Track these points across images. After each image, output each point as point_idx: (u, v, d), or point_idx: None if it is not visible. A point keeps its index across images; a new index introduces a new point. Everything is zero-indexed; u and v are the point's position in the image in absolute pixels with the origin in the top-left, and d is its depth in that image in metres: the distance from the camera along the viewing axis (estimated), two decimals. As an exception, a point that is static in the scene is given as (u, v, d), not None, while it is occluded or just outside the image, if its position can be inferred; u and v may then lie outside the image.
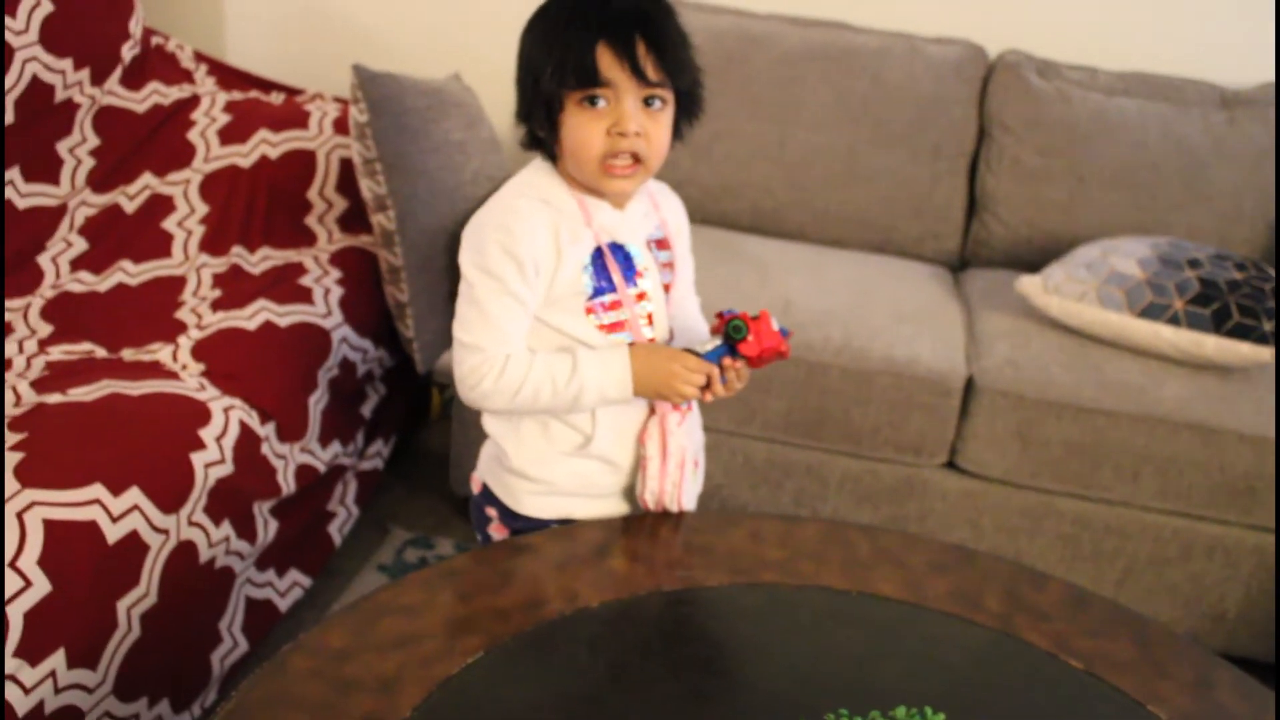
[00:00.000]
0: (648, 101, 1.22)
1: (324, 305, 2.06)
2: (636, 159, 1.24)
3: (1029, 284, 2.22)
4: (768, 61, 2.62)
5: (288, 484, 1.85)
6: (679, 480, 1.34)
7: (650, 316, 1.33)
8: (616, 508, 1.40)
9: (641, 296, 1.32)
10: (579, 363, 1.27)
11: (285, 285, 2.08)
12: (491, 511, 1.42)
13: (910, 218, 2.61)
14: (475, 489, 1.46)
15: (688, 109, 1.29)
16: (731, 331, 1.27)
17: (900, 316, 2.20)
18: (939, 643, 1.20)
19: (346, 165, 2.33)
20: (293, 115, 2.40)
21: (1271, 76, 2.64)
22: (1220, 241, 2.47)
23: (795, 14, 2.75)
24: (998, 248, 2.62)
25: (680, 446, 1.34)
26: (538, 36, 1.23)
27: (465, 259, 1.27)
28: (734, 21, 2.70)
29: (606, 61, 1.19)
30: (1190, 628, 2.14)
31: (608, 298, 1.30)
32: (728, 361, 1.29)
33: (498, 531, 1.43)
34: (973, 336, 2.21)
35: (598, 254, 1.29)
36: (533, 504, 1.37)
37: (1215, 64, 2.70)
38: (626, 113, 1.21)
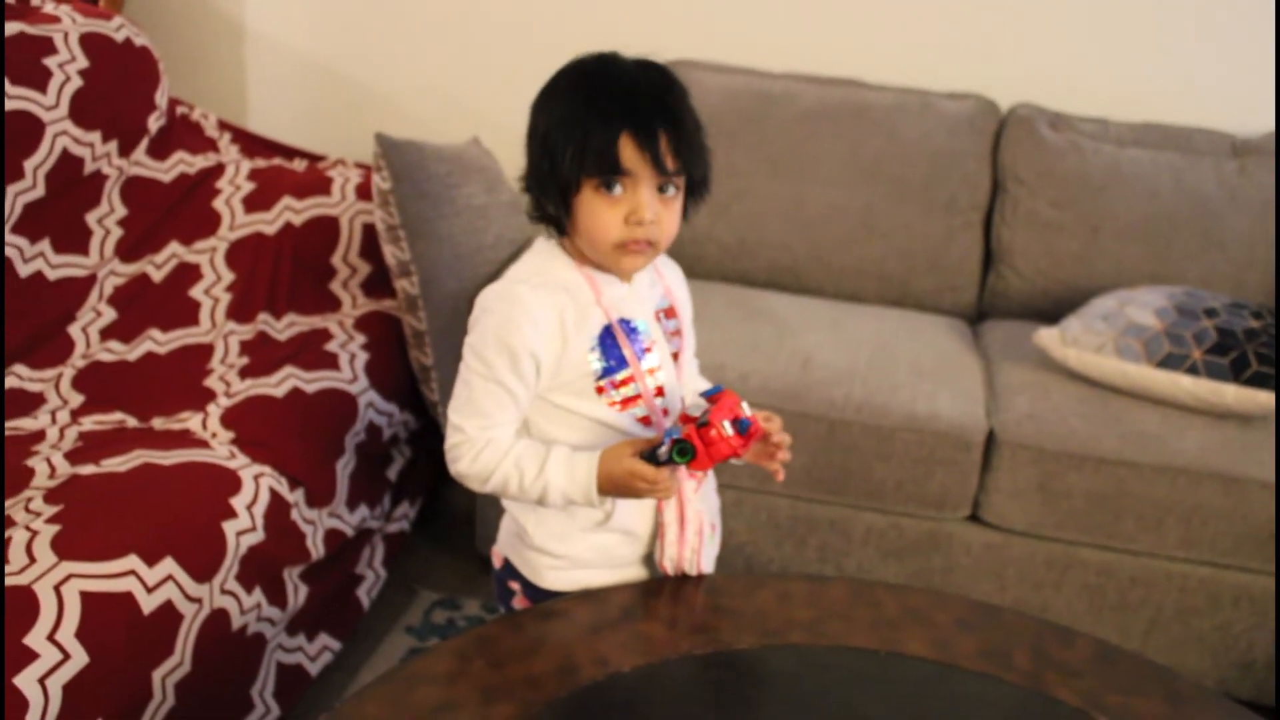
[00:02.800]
0: (662, 188, 1.23)
1: (350, 371, 2.09)
2: (649, 243, 1.24)
3: (1047, 336, 2.24)
4: (784, 120, 2.66)
5: (317, 549, 1.87)
6: (698, 546, 1.34)
7: (661, 389, 1.33)
8: (636, 575, 1.39)
9: (652, 370, 1.32)
10: (546, 464, 1.25)
11: (311, 351, 2.11)
12: (515, 585, 1.42)
13: (927, 271, 2.63)
14: (496, 563, 1.46)
15: (696, 192, 1.29)
16: (677, 456, 1.23)
17: (920, 371, 2.21)
18: (970, 702, 1.20)
19: (369, 230, 2.36)
20: (316, 182, 2.44)
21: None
22: (1235, 289, 2.48)
23: (810, 73, 2.79)
24: (1014, 299, 2.64)
25: (698, 513, 1.33)
26: (557, 117, 1.22)
27: (468, 336, 1.27)
28: (749, 81, 2.74)
29: (629, 152, 1.19)
30: (1219, 677, 2.13)
31: (619, 375, 1.29)
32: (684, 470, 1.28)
33: (521, 604, 1.42)
34: (992, 390, 2.22)
35: (607, 331, 1.28)
36: (554, 578, 1.36)
37: (1225, 113, 2.72)
38: (643, 201, 1.21)
